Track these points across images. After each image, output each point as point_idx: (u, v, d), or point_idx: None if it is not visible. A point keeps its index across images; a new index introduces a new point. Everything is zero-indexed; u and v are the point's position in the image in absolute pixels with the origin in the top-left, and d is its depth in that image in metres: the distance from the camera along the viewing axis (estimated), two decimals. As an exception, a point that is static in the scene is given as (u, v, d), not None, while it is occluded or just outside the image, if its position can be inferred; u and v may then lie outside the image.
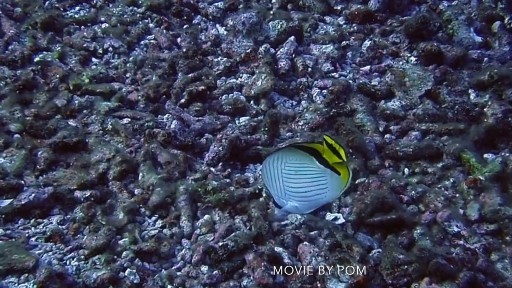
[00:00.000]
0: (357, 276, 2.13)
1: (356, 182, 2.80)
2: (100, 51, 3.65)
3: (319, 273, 2.28)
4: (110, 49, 3.65)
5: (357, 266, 2.16)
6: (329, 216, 2.62)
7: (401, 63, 3.74)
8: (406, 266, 2.26)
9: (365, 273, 2.14)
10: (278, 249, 2.36)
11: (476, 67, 3.69)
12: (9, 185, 2.55)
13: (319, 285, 2.27)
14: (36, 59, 3.42)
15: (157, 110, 3.26)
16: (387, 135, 3.17)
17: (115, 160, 2.74)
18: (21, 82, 3.20)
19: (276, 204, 2.17)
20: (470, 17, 4.07)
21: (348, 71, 3.72)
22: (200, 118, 3.15)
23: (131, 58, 3.61)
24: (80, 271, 2.24)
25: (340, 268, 2.17)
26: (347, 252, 2.34)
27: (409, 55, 3.81)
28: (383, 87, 3.49)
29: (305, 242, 2.42)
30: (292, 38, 3.70)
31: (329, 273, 2.19)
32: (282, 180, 2.07)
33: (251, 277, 2.29)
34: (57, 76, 3.32)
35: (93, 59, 3.62)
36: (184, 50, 3.65)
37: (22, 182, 2.62)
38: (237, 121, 3.23)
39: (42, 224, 2.46)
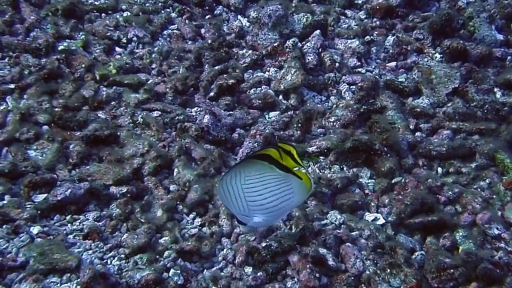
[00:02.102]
0: (410, 282, 2.04)
1: (393, 181, 2.71)
2: (124, 40, 3.49)
3: (365, 276, 2.19)
4: (135, 38, 3.49)
5: (409, 271, 2.06)
6: (369, 217, 2.53)
7: (426, 59, 3.64)
8: (452, 270, 2.19)
9: (419, 279, 2.05)
10: (322, 250, 2.27)
11: (500, 66, 3.61)
12: (43, 180, 2.42)
13: (364, 287, 2.18)
14: (60, 47, 3.25)
15: (186, 103, 3.12)
16: (417, 133, 3.08)
17: (150, 155, 2.61)
18: (46, 71, 3.04)
19: (240, 222, 1.97)
20: (491, 14, 3.98)
21: (373, 66, 3.62)
22: (231, 112, 3.02)
23: (156, 49, 3.46)
24: (122, 271, 2.13)
25: (391, 273, 2.08)
26: (392, 255, 2.25)
27: (433, 51, 3.71)
28: (411, 84, 3.39)
29: (348, 244, 2.33)
30: (318, 32, 3.57)
31: (380, 278, 2.09)
32: (244, 196, 1.89)
33: (296, 279, 2.19)
34: (83, 65, 3.16)
35: (117, 49, 3.46)
36: (210, 41, 3.50)
37: (55, 176, 2.48)
38: (266, 116, 3.11)
39: (79, 221, 2.34)
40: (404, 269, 2.09)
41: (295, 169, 1.94)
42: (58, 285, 2.02)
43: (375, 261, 2.22)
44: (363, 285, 2.20)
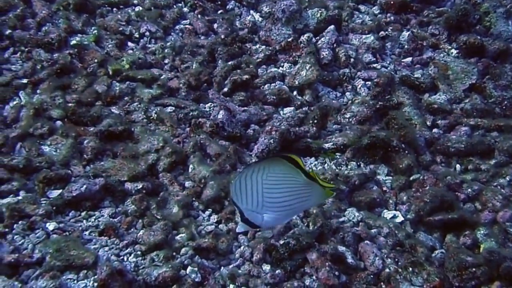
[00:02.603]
0: (432, 280, 2.01)
1: (411, 178, 2.68)
2: (137, 35, 3.47)
3: (384, 274, 2.17)
4: (147, 33, 3.47)
5: (432, 270, 2.03)
6: (387, 214, 2.50)
7: (442, 55, 3.60)
8: (474, 269, 2.15)
9: (442, 278, 2.01)
10: (341, 248, 2.24)
11: (518, 61, 3.56)
12: (58, 175, 2.40)
13: (383, 286, 2.15)
14: (73, 42, 3.24)
15: (199, 99, 3.10)
16: (434, 130, 3.04)
17: (165, 151, 2.59)
18: (59, 66, 3.03)
19: (245, 220, 1.96)
20: (508, 9, 3.93)
21: (388, 62, 3.58)
22: (245, 108, 2.99)
23: (168, 44, 3.44)
24: (139, 268, 2.11)
25: (413, 271, 2.05)
26: (413, 253, 2.22)
27: (449, 47, 3.67)
28: (427, 79, 3.35)
29: (366, 241, 2.30)
30: (332, 27, 3.53)
31: (401, 277, 2.06)
32: (262, 191, 1.91)
33: (314, 277, 2.16)
34: (95, 60, 3.14)
35: (129, 44, 3.44)
36: (223, 36, 3.48)
37: (70, 172, 2.46)
38: (281, 112, 3.08)
39: (94, 217, 2.32)
40: (426, 267, 2.05)
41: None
42: (75, 282, 2.00)
43: (396, 259, 2.19)
44: (382, 283, 2.17)
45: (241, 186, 1.90)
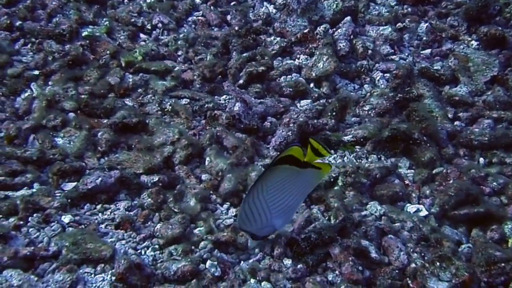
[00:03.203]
0: (461, 275, 1.97)
1: (433, 172, 2.64)
2: (149, 27, 3.45)
3: (410, 270, 2.12)
4: (160, 25, 3.44)
5: (461, 264, 1.99)
6: (410, 208, 2.46)
7: (462, 47, 3.55)
8: (503, 264, 2.10)
9: (471, 272, 1.97)
10: (365, 242, 2.20)
11: (540, 54, 3.50)
12: (73, 168, 2.38)
13: (409, 282, 2.11)
14: (84, 33, 3.22)
15: (214, 91, 3.07)
16: (456, 122, 3.00)
17: (181, 143, 2.55)
18: (70, 57, 3.01)
19: (254, 237, 2.13)
20: (529, 0, 3.87)
21: (407, 54, 3.54)
22: (261, 100, 2.96)
23: (181, 36, 3.41)
24: (157, 262, 2.08)
25: (441, 266, 2.01)
26: (439, 248, 2.18)
27: (469, 38, 3.62)
28: (447, 71, 3.31)
29: (390, 235, 2.26)
30: (348, 18, 3.49)
31: (428, 272, 2.02)
32: (268, 207, 2.03)
33: (337, 272, 2.12)
34: (108, 52, 3.12)
35: (141, 35, 3.42)
36: (237, 28, 3.45)
37: (84, 164, 2.44)
38: (298, 105, 3.04)
39: (110, 210, 2.29)
40: (454, 262, 2.00)
41: (317, 161, 2.05)
42: (92, 275, 1.97)
43: (422, 254, 2.14)
44: (408, 279, 2.12)
45: (247, 213, 2.02)
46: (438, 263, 2.02)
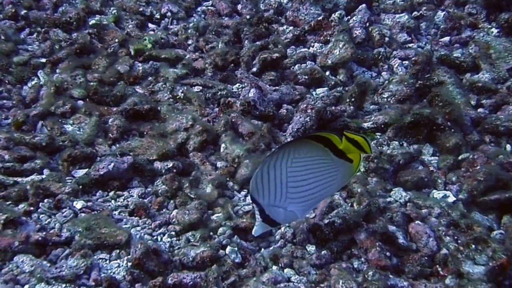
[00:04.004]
0: (499, 258, 1.91)
1: (459, 158, 2.60)
2: (157, 16, 3.44)
3: (439, 256, 2.08)
4: (169, 14, 3.43)
5: (498, 247, 1.94)
6: (437, 194, 2.41)
7: (481, 34, 3.52)
8: (538, 250, 2.05)
9: (509, 255, 1.92)
10: (392, 227, 2.15)
11: (562, 40, 3.48)
12: (84, 154, 2.34)
13: (439, 269, 2.06)
14: (92, 22, 3.20)
15: (226, 79, 3.04)
16: (480, 109, 2.96)
17: (195, 129, 2.52)
18: (78, 45, 2.99)
19: (265, 218, 1.85)
20: (549, -13, 3.84)
21: (424, 42, 3.51)
22: (276, 87, 2.93)
23: (191, 24, 3.40)
24: (174, 249, 2.04)
25: (476, 249, 1.96)
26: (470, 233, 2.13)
27: (489, 26, 3.60)
28: (468, 59, 3.27)
29: (417, 222, 2.21)
30: (364, 5, 3.47)
31: (463, 255, 1.97)
32: (287, 181, 1.81)
33: (363, 259, 2.08)
34: (116, 40, 3.11)
35: (150, 25, 3.41)
36: (248, 17, 3.43)
37: (95, 151, 2.41)
38: (314, 93, 3.00)
39: (123, 197, 2.25)
40: (491, 244, 1.95)
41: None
42: (107, 261, 1.93)
43: (455, 237, 2.09)
44: (438, 266, 2.07)
45: (263, 178, 1.81)
46: (473, 246, 1.98)
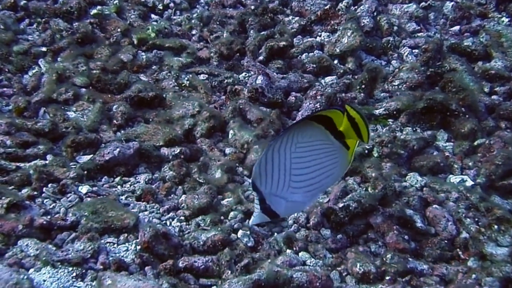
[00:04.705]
0: (523, 237, 1.89)
1: (475, 143, 2.57)
2: (160, 7, 3.43)
3: (459, 240, 2.05)
4: (172, 5, 3.42)
5: (521, 226, 1.91)
6: (454, 179, 2.39)
7: (492, 24, 3.52)
8: (561, 233, 2.02)
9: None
10: (409, 211, 2.12)
11: None
12: (88, 140, 2.31)
13: (460, 253, 2.03)
14: (93, 11, 3.19)
15: (232, 68, 3.03)
16: (494, 97, 2.94)
17: (202, 115, 2.50)
18: (79, 35, 2.97)
19: (264, 208, 1.83)
20: (558, -24, 3.86)
21: (433, 32, 3.51)
22: (284, 75, 2.91)
23: (195, 15, 3.39)
24: (184, 233, 2.00)
25: (499, 229, 1.93)
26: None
27: (499, 15, 3.61)
28: (479, 47, 3.27)
29: (435, 206, 2.18)
30: (371, -6, 3.47)
31: (485, 237, 1.94)
32: (291, 167, 1.79)
33: (380, 243, 2.05)
34: (119, 30, 3.09)
35: (152, 16, 3.39)
36: (252, 7, 3.42)
37: (99, 137, 2.38)
38: (322, 81, 2.99)
39: (129, 183, 2.22)
40: (515, 223, 1.93)
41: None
42: (115, 245, 1.89)
43: (476, 219, 2.06)
44: (458, 249, 2.04)
45: (267, 164, 1.78)
46: (495, 227, 1.95)
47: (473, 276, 1.86)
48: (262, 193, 1.81)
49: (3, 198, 1.92)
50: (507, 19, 3.56)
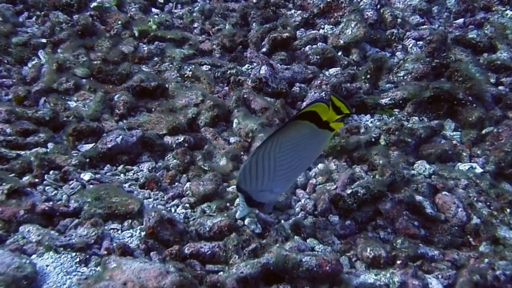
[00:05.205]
0: (536, 219, 1.88)
1: (483, 131, 2.57)
2: (161, 0, 3.42)
3: (470, 227, 2.03)
4: (173, -2, 3.43)
5: (534, 207, 1.90)
6: (462, 167, 2.37)
7: (496, 17, 3.53)
8: None
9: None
10: (418, 197, 2.11)
11: None
12: (90, 128, 2.29)
13: (471, 239, 2.02)
14: (93, 4, 3.18)
15: (234, 60, 3.01)
16: (500, 87, 2.94)
17: (206, 104, 2.49)
18: (79, 27, 2.96)
19: (249, 202, 1.87)
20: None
21: (437, 25, 3.51)
22: (288, 66, 2.90)
23: (196, 8, 3.39)
24: (189, 220, 1.98)
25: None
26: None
27: (503, 9, 3.61)
28: (484, 39, 3.27)
29: (445, 192, 2.17)
30: (374, -12, 3.48)
31: (497, 220, 1.93)
32: (275, 167, 1.83)
33: (389, 229, 2.03)
34: (119, 22, 3.08)
35: (153, 9, 3.39)
36: (254, 1, 3.42)
37: (101, 126, 2.36)
38: (326, 73, 2.98)
39: (132, 171, 2.20)
40: (528, 205, 1.92)
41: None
42: (119, 232, 1.87)
43: (488, 203, 2.05)
44: (469, 236, 2.03)
45: (252, 169, 1.82)
46: (508, 210, 1.93)
47: (486, 260, 1.84)
48: (248, 192, 1.85)
49: (4, 184, 1.90)
50: (511, 12, 3.56)
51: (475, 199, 2.09)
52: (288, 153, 1.84)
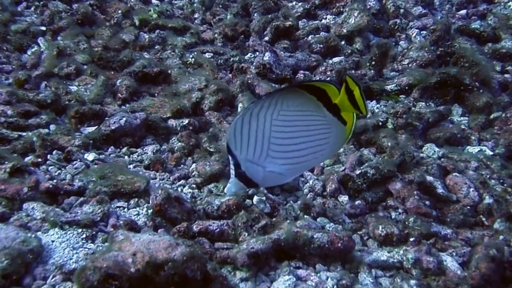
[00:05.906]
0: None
1: (491, 116, 2.57)
2: (161, -8, 3.44)
3: (482, 207, 2.03)
4: (173, -11, 3.44)
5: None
6: (472, 149, 2.37)
7: (499, 8, 3.56)
8: None
9: None
10: (429, 177, 2.10)
11: None
12: (92, 111, 2.28)
13: (484, 219, 2.01)
14: (93, -6, 3.19)
15: (237, 49, 3.02)
16: (506, 75, 2.95)
17: (210, 88, 2.48)
18: (79, 16, 2.96)
19: (239, 175, 1.61)
20: None
21: (440, 17, 3.54)
22: (291, 54, 2.91)
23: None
24: (196, 199, 1.96)
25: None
26: None
27: (505, 1, 3.64)
28: (488, 29, 3.29)
29: (455, 173, 2.16)
30: (376, -21, 3.50)
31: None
32: (270, 135, 1.57)
33: (400, 210, 2.02)
34: (119, 11, 3.09)
35: (153, 1, 3.40)
36: (255, -8, 3.44)
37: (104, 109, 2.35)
38: (330, 62, 2.98)
39: (136, 154, 2.18)
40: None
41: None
42: (125, 210, 1.85)
43: (501, 180, 2.04)
44: (482, 216, 2.02)
45: (243, 127, 1.57)
46: (521, 186, 1.93)
47: (501, 237, 1.84)
48: (237, 158, 1.61)
49: (6, 162, 1.87)
50: (513, 4, 3.60)
51: (488, 176, 2.08)
52: (288, 124, 1.59)
